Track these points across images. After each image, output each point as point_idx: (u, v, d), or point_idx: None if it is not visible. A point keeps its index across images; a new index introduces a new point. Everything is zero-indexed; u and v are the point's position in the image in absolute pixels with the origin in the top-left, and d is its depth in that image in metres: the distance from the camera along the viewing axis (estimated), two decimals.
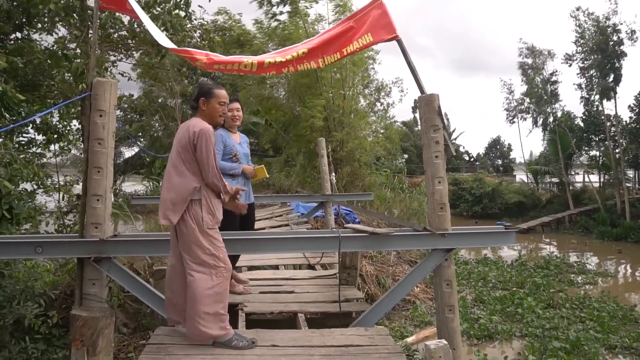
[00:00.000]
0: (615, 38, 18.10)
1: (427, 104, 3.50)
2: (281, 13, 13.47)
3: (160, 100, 20.35)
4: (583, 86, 19.61)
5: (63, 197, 7.45)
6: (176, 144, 2.96)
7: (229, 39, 13.38)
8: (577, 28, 18.93)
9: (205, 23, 8.80)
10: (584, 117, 20.91)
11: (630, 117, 19.64)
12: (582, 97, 19.90)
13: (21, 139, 6.51)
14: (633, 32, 17.87)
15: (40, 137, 6.77)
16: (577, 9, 18.88)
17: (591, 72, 18.83)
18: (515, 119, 23.56)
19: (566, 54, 19.76)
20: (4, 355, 4.21)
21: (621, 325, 7.08)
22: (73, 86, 6.40)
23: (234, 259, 4.52)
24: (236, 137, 4.29)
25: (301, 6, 13.18)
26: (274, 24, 13.51)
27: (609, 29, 18.05)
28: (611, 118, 19.41)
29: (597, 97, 19.37)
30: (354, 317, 3.84)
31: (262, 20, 13.79)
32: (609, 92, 18.65)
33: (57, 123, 6.85)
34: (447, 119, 37.14)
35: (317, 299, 4.22)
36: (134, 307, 5.65)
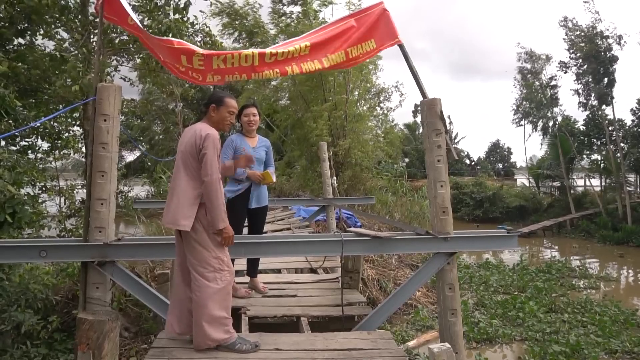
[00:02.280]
0: (604, 44, 18.25)
1: (429, 108, 3.51)
2: (292, 13, 13.57)
3: (160, 104, 20.40)
4: (580, 92, 19.69)
5: (65, 201, 7.49)
6: (182, 149, 2.94)
7: (242, 27, 13.42)
8: (566, 37, 19.15)
9: (207, 27, 8.85)
10: (585, 120, 20.95)
11: (633, 121, 19.67)
12: (580, 103, 19.98)
13: (23, 143, 6.55)
14: (620, 37, 18.05)
15: (42, 143, 6.81)
16: (565, 19, 19.07)
17: (587, 77, 18.93)
18: (522, 122, 23.53)
19: (561, 61, 20.01)
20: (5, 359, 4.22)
21: (623, 329, 7.06)
22: (72, 90, 6.43)
23: (253, 264, 4.51)
24: (252, 141, 4.28)
25: (313, 7, 13.25)
26: (287, 20, 13.58)
27: (597, 38, 18.23)
28: (614, 122, 19.43)
29: (595, 102, 19.45)
30: (357, 320, 3.83)
31: (277, 11, 13.84)
32: (606, 97, 18.73)
33: (62, 129, 6.88)
34: (451, 122, 37.08)
35: (320, 302, 4.21)
36: (136, 311, 5.66)
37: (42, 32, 6.54)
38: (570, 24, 18.93)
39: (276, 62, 3.43)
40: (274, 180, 4.31)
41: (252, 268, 4.51)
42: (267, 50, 3.43)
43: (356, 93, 14.17)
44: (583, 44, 18.36)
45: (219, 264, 2.88)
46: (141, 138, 24.40)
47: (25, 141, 6.68)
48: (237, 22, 13.55)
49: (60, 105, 6.90)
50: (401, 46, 3.73)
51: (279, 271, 5.64)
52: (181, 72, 3.43)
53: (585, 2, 18.22)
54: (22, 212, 4.37)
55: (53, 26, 6.46)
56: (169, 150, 20.07)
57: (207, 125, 2.97)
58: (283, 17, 13.64)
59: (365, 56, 3.75)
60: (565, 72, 19.81)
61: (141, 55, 8.62)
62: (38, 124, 6.12)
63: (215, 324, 2.86)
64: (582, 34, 18.60)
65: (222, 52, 3.47)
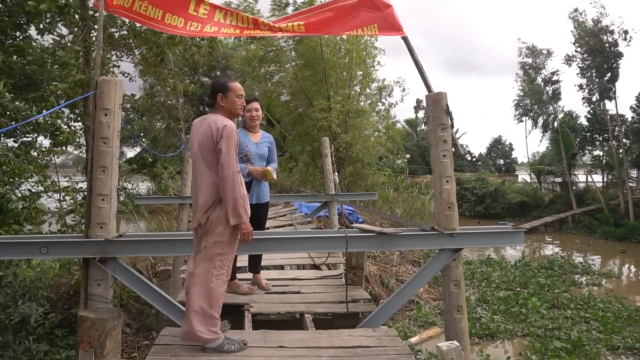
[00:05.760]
0: (610, 39, 18.12)
1: (435, 103, 3.46)
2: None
3: (162, 99, 20.32)
4: (584, 86, 19.57)
5: (64, 197, 7.43)
6: (197, 143, 2.86)
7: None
8: (575, 30, 18.96)
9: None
10: (588, 116, 20.86)
11: (633, 117, 19.60)
12: (584, 98, 19.86)
13: (24, 139, 6.49)
14: (626, 32, 17.90)
15: (42, 140, 6.74)
16: (575, 11, 18.92)
17: (592, 72, 18.80)
18: (523, 118, 23.42)
19: (566, 54, 19.87)
20: (8, 355, 4.19)
21: (626, 325, 7.04)
22: (72, 88, 6.37)
23: (255, 261, 4.46)
24: (255, 136, 4.23)
25: None
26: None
27: (602, 32, 18.08)
28: (616, 118, 19.34)
29: (596, 97, 19.36)
30: (361, 317, 3.80)
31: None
32: (608, 92, 18.62)
33: (61, 124, 6.81)
34: (452, 119, 36.95)
35: (324, 299, 4.17)
36: (137, 308, 5.64)
37: (41, 27, 6.45)
38: (580, 17, 18.77)
39: (270, 28, 3.53)
40: (275, 177, 4.27)
41: (255, 264, 4.47)
42: (261, 19, 3.54)
43: (357, 88, 14.09)
44: (588, 38, 18.18)
45: (220, 262, 2.83)
46: (142, 134, 24.30)
47: (25, 137, 6.62)
48: None
49: (61, 100, 6.84)
50: (405, 39, 3.68)
51: (281, 267, 5.61)
52: (179, 28, 3.40)
53: None
54: (13, 208, 4.29)
55: (50, 20, 6.38)
56: (170, 146, 20.00)
57: (221, 116, 2.89)
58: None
59: (363, 33, 3.77)
60: (570, 66, 19.71)
61: (141, 51, 8.54)
62: (40, 117, 6.05)
63: (201, 320, 2.79)
64: (588, 28, 18.43)
65: (225, 7, 3.55)
